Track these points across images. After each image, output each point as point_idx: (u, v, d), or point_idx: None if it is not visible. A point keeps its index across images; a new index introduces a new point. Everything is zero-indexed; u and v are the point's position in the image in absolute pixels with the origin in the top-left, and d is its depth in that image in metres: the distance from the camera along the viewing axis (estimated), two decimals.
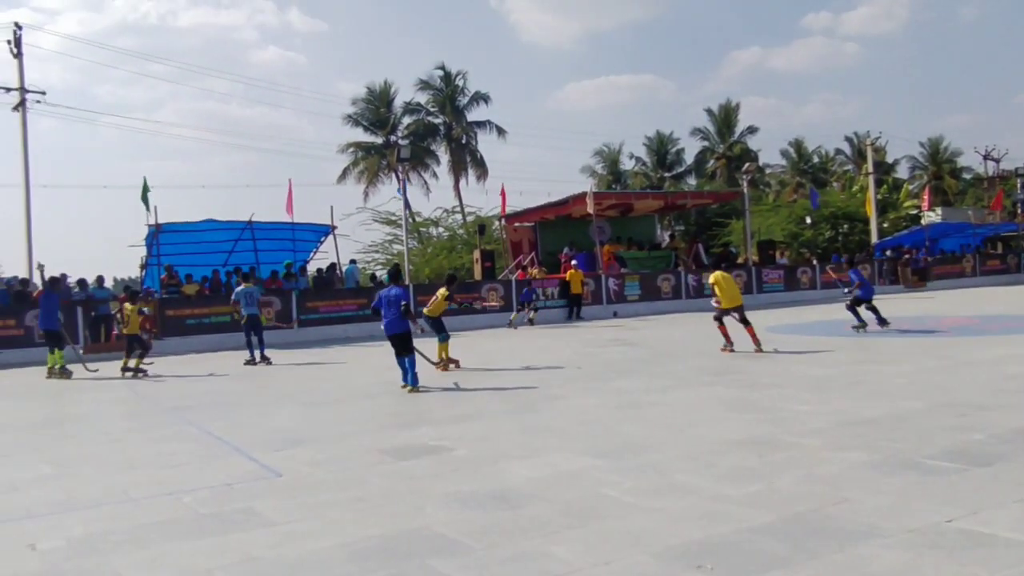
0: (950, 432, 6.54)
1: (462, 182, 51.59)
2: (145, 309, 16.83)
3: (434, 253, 38.93)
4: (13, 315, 18.73)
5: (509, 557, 4.18)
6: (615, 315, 25.02)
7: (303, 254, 25.38)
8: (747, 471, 5.66)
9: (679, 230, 43.60)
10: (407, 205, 30.34)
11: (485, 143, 69.85)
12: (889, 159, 60.96)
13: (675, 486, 5.39)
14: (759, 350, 12.86)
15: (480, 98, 52.27)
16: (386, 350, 12.40)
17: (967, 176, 65.29)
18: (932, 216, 42.33)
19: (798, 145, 62.61)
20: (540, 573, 3.95)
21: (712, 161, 59.06)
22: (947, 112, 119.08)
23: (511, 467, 6.15)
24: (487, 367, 12.97)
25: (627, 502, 5.07)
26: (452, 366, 12.72)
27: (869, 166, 42.85)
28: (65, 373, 14.65)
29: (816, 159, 63.83)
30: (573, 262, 25.55)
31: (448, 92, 51.58)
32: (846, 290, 16.27)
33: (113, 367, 15.30)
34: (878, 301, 15.87)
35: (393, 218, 39.41)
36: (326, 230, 24.45)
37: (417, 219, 42.12)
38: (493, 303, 22.80)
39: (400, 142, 47.53)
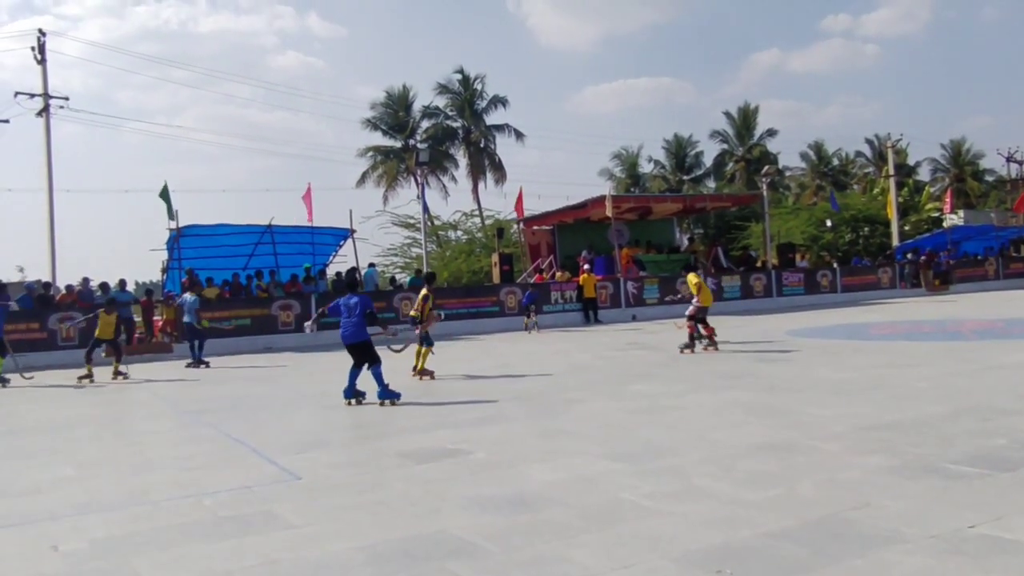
0: (972, 437, 6.47)
1: (480, 185, 51.66)
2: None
3: (453, 256, 38.96)
4: (37, 318, 19.00)
5: (528, 561, 4.17)
6: (634, 318, 24.95)
7: (322, 257, 25.49)
8: (767, 475, 5.62)
9: (698, 233, 43.45)
10: (426, 209, 30.42)
11: (503, 146, 69.70)
12: (910, 161, 60.49)
13: (694, 490, 5.36)
14: (716, 348, 14.27)
15: (498, 101, 52.34)
16: (404, 353, 12.45)
17: (989, 178, 64.63)
18: (954, 219, 41.87)
19: (818, 147, 62.18)
20: None
21: (731, 164, 58.68)
22: (969, 114, 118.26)
23: (530, 470, 6.15)
24: (504, 371, 12.97)
25: (646, 506, 5.05)
26: (426, 378, 12.21)
27: (890, 168, 42.50)
28: (2, 382, 14.58)
29: (836, 161, 63.38)
30: (586, 266, 25.50)
31: (466, 96, 51.68)
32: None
33: (136, 370, 15.50)
34: (901, 304, 15.69)
35: (412, 221, 39.52)
36: (345, 234, 24.54)
37: (436, 222, 42.19)
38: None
39: (419, 146, 47.60)
